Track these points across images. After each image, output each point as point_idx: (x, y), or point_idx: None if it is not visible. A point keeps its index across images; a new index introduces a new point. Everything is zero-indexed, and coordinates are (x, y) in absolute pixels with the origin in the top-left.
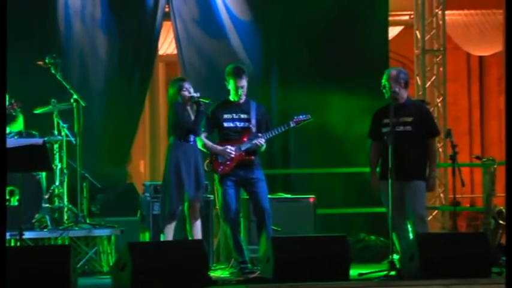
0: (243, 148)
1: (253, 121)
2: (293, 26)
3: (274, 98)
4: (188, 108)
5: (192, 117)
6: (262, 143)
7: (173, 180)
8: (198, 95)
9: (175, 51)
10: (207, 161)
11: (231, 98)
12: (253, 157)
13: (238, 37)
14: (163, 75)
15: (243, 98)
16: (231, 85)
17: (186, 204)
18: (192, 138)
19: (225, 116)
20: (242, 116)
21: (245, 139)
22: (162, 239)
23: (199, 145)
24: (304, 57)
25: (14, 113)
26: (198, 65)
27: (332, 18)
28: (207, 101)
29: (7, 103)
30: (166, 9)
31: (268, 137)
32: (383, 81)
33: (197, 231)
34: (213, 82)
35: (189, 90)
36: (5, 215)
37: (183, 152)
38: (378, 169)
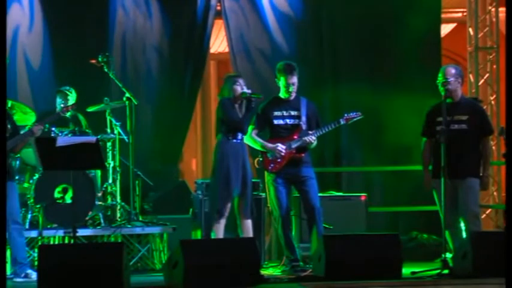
0: (293, 145)
1: (304, 118)
2: (344, 25)
3: (326, 95)
4: (236, 105)
5: (240, 115)
6: (313, 140)
7: (221, 178)
8: (249, 91)
9: (226, 49)
10: (258, 158)
11: (281, 95)
12: (303, 154)
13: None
14: (215, 73)
15: (293, 95)
16: (281, 82)
17: (235, 201)
18: (240, 135)
19: (275, 113)
20: (292, 113)
21: (295, 136)
22: (212, 237)
23: (249, 142)
24: (356, 56)
25: (68, 116)
26: (250, 63)
27: (384, 16)
28: (259, 96)
29: (61, 106)
30: (218, 8)
31: (318, 134)
32: (440, 78)
33: (248, 229)
34: (266, 79)
35: (242, 86)
36: (5, 215)
37: (231, 149)
38: (430, 167)
